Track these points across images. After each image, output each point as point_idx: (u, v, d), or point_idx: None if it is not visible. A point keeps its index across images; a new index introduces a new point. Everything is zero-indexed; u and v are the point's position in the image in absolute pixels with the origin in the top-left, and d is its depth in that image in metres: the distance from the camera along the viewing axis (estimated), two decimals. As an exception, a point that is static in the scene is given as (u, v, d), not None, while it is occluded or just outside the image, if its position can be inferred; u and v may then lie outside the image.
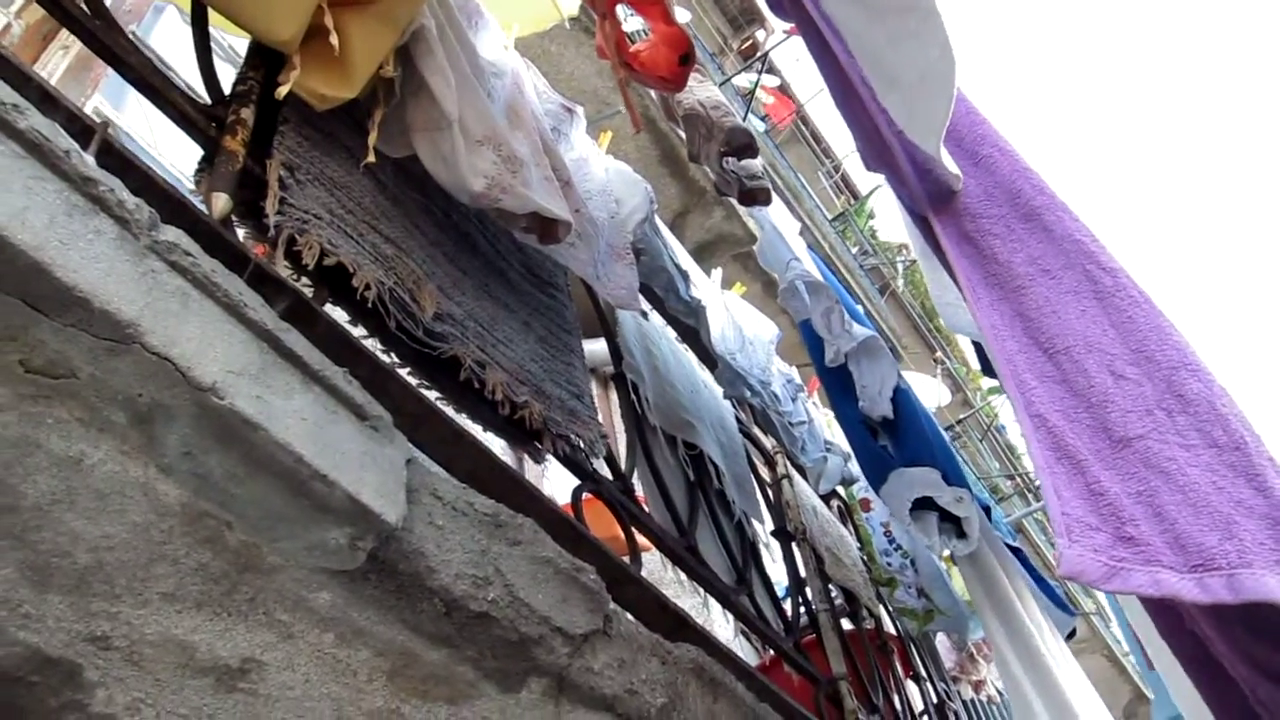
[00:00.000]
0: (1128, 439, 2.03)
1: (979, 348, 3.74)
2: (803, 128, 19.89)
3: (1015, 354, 2.20)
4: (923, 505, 4.15)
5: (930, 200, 2.49)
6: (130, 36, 1.63)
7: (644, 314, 3.33)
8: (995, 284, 2.33)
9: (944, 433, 4.80)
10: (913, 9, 2.25)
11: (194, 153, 1.74)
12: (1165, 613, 2.56)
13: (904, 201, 2.71)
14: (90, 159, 1.14)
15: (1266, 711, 2.25)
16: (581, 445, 2.24)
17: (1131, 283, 2.28)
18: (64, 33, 3.85)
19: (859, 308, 4.37)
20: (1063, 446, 2.05)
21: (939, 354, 18.29)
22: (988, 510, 4.53)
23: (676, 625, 2.14)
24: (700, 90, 3.12)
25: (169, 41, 4.51)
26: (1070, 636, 4.79)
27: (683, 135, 3.26)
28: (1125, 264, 2.34)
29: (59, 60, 3.81)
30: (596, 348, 3.19)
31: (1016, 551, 4.66)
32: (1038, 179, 2.45)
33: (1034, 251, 2.33)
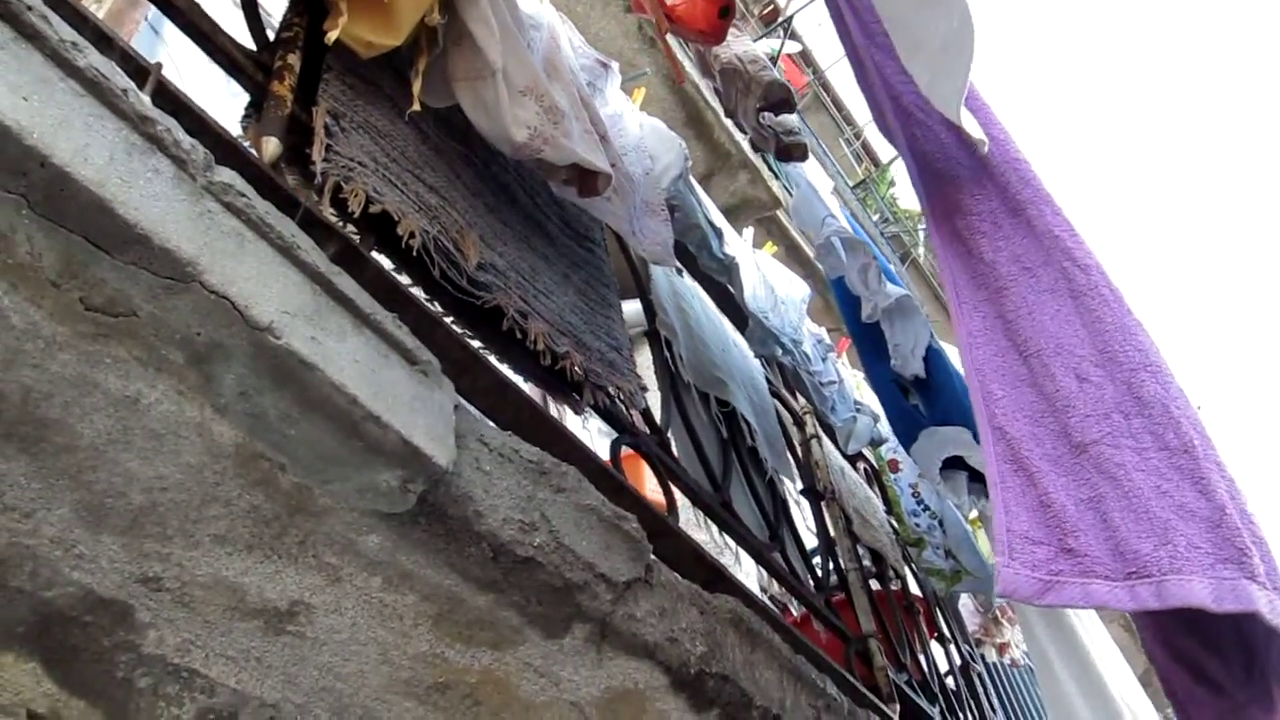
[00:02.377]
0: (1084, 444, 2.10)
1: None
2: (824, 94, 19.71)
3: (985, 362, 2.27)
4: (953, 465, 4.15)
5: (926, 192, 2.51)
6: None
7: (678, 270, 3.32)
8: (981, 284, 2.37)
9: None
10: None
11: (224, 113, 1.74)
12: None
13: (915, 178, 2.72)
14: (146, 98, 1.15)
15: (1177, 705, 2.31)
16: (621, 398, 2.24)
17: (1104, 279, 2.32)
18: (98, -15, 3.85)
19: (891, 267, 4.35)
20: (1018, 459, 2.12)
21: (960, 323, 18.18)
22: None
23: (713, 577, 2.15)
24: (738, 44, 3.11)
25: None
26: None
27: (709, 98, 3.26)
28: (1100, 259, 2.38)
29: (94, 11, 3.81)
30: (628, 308, 3.19)
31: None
32: (1026, 168, 2.47)
33: (1017, 248, 2.37)
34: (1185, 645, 2.21)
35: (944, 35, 2.26)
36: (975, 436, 3.96)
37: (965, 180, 2.46)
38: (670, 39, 2.99)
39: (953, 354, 4.25)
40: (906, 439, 4.21)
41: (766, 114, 3.01)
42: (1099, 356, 2.19)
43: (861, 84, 2.70)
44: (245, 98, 1.73)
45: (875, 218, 17.86)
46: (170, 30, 4.41)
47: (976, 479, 4.25)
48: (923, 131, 2.49)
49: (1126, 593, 1.93)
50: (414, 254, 1.73)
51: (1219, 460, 2.07)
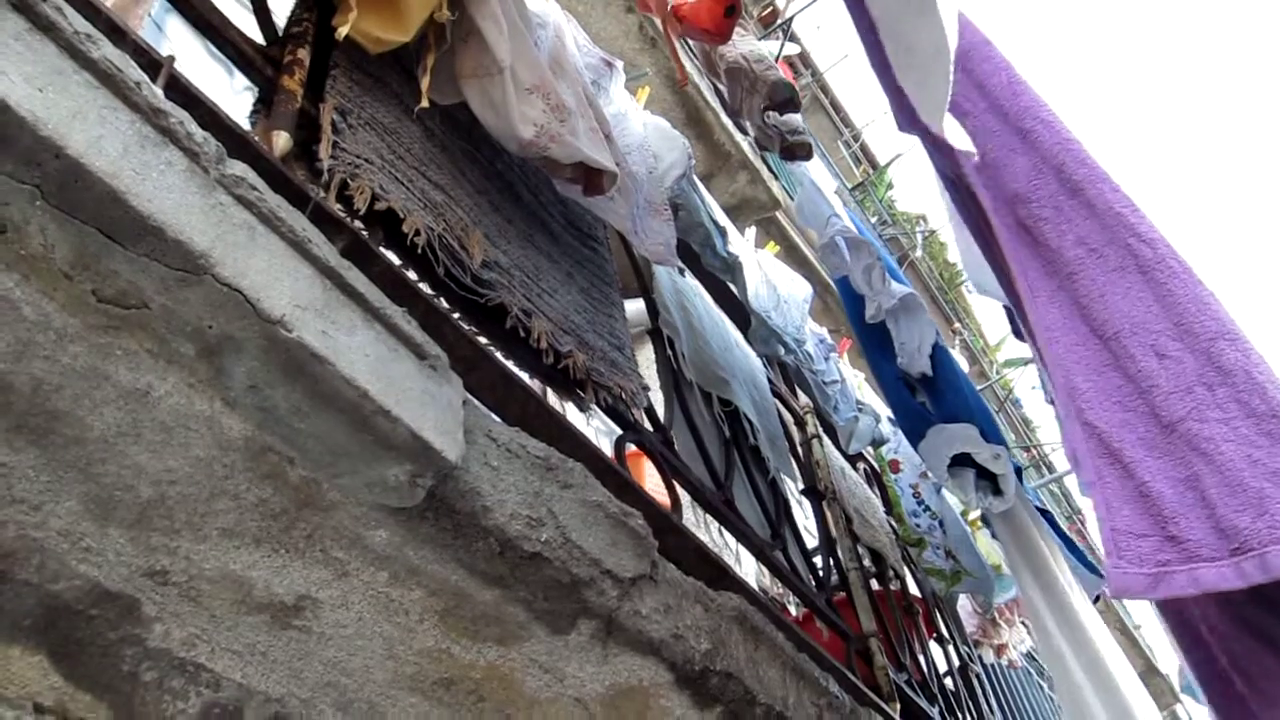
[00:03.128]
0: (1173, 422, 2.07)
1: (1010, 312, 3.74)
2: (822, 96, 19.71)
3: (1066, 354, 2.24)
4: (959, 462, 4.16)
5: (985, 185, 2.48)
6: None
7: (681, 270, 3.32)
8: (1051, 273, 2.34)
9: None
10: None
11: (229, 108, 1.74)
12: None
13: (938, 165, 2.70)
14: (159, 91, 1.15)
15: (1240, 675, 2.29)
16: (622, 396, 2.24)
17: (1171, 252, 2.29)
18: (102, -18, 3.84)
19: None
20: (1112, 451, 2.10)
21: (956, 325, 18.23)
22: (1019, 473, 4.54)
23: (717, 575, 2.15)
24: (744, 44, 3.11)
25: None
26: (1095, 600, 4.80)
27: (709, 99, 3.26)
28: (1165, 232, 2.34)
29: (98, 8, 3.81)
30: (632, 307, 3.19)
31: (1045, 514, 4.66)
32: (1079, 149, 2.44)
33: (1081, 231, 2.33)
34: (1258, 618, 2.18)
35: (927, 46, 2.27)
36: (983, 433, 3.98)
37: (1022, 168, 2.43)
38: (674, 40, 2.99)
39: (971, 323, 4.24)
40: (914, 436, 4.22)
41: (771, 113, 3.02)
42: (1175, 330, 2.16)
43: (882, 77, 2.68)
44: (250, 97, 1.74)
45: (874, 220, 17.87)
46: (174, 28, 4.42)
47: (984, 475, 4.25)
48: (973, 124, 2.47)
49: (1233, 570, 1.90)
50: (419, 251, 1.73)
51: None
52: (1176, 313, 2.18)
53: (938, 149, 2.56)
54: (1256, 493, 1.93)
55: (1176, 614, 2.45)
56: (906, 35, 2.34)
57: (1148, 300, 2.22)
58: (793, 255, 9.52)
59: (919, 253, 18.73)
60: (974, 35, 2.54)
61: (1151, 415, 2.11)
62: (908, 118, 2.62)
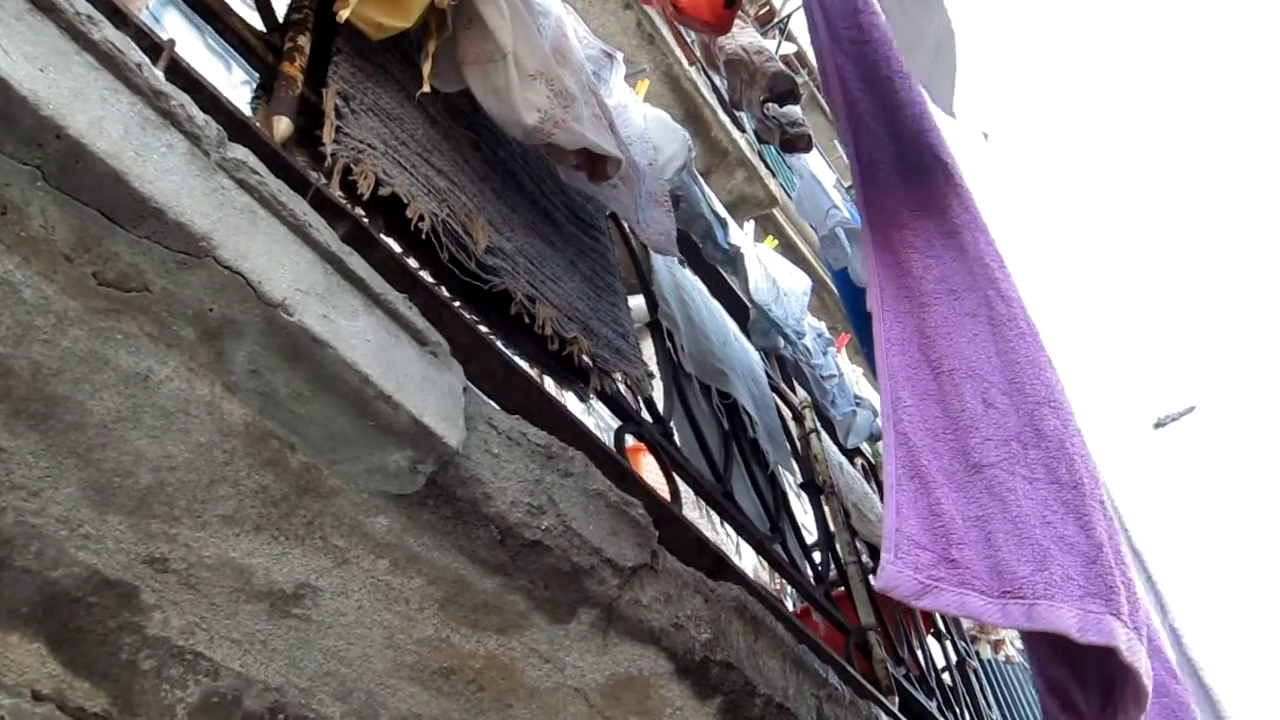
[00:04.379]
0: (980, 465, 2.19)
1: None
2: (819, 94, 19.69)
3: (898, 370, 2.37)
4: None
5: (865, 199, 2.58)
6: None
7: (680, 261, 3.32)
8: (905, 296, 2.46)
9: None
10: None
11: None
12: None
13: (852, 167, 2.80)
14: (160, 74, 1.14)
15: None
16: (628, 384, 2.25)
17: (1023, 313, 2.41)
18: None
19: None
20: (916, 465, 2.21)
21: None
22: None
23: (717, 566, 2.14)
24: (743, 35, 3.11)
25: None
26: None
27: (706, 95, 3.27)
28: (1022, 293, 2.46)
29: (95, -1, 3.80)
30: (631, 302, 3.19)
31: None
32: (967, 195, 2.57)
33: (946, 269, 2.46)
34: (1057, 674, 2.30)
35: (936, 34, 2.31)
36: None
37: (906, 196, 2.53)
38: (675, 26, 2.99)
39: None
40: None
41: (771, 105, 3.02)
42: (1007, 385, 2.28)
43: (825, 92, 2.76)
44: (247, 91, 1.73)
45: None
46: (171, 20, 4.41)
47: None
48: (871, 140, 2.57)
49: (999, 609, 2.02)
50: (422, 237, 1.73)
51: (1103, 500, 2.17)
52: (1014, 370, 2.30)
53: (861, 166, 2.64)
54: (1042, 550, 2.05)
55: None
56: (917, 23, 2.38)
57: (990, 351, 2.33)
58: (791, 253, 9.50)
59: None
60: (897, 64, 2.58)
61: (961, 452, 2.22)
62: (851, 124, 2.68)
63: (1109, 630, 1.96)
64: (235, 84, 4.04)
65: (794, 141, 3.08)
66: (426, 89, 1.80)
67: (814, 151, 3.93)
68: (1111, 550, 2.08)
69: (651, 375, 2.36)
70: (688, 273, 3.56)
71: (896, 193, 2.54)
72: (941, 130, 2.64)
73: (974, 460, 2.18)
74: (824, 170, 4.42)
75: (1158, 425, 17.06)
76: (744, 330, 3.81)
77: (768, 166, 9.14)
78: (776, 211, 9.43)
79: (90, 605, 1.25)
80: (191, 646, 1.32)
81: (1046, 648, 2.35)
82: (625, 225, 2.87)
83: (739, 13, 2.95)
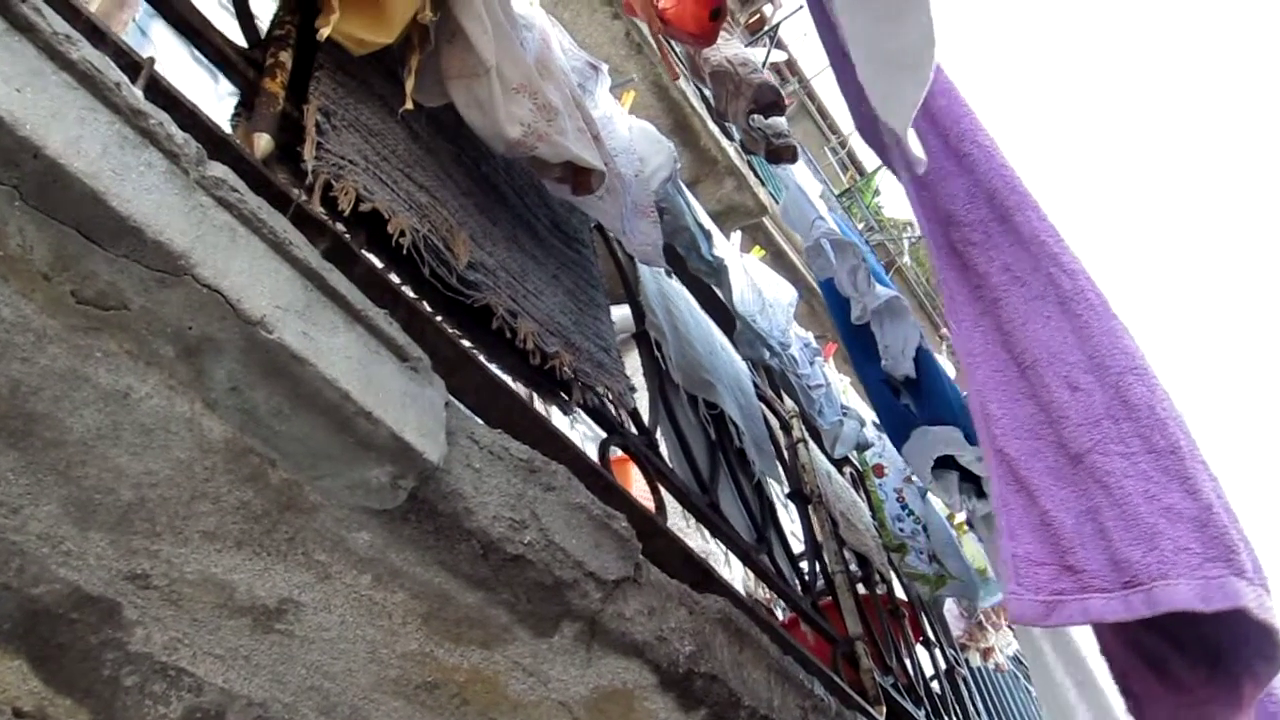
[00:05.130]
0: (1079, 454, 2.12)
1: None
2: (809, 103, 19.74)
3: (985, 381, 2.28)
4: (944, 465, 4.17)
5: (921, 206, 2.52)
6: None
7: (667, 272, 3.33)
8: (977, 298, 2.39)
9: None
10: None
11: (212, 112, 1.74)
12: None
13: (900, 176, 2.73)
14: (139, 93, 1.14)
15: (1133, 701, 2.33)
16: (610, 398, 2.25)
17: (1090, 284, 2.33)
18: (86, -15, 3.83)
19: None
20: (1019, 478, 2.14)
21: (944, 330, 18.26)
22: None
23: (701, 578, 2.15)
24: (728, 47, 3.12)
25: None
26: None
27: (695, 105, 3.27)
28: (1085, 264, 2.38)
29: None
30: (617, 313, 3.19)
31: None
32: (1011, 175, 2.47)
33: (1008, 257, 2.37)
34: (1150, 642, 2.23)
35: (901, 50, 2.27)
36: (967, 436, 3.99)
37: (957, 191, 2.46)
38: (661, 39, 3.00)
39: (949, 367, 4.27)
40: (898, 438, 4.23)
41: (756, 116, 3.03)
42: (1088, 363, 2.20)
43: (848, 95, 2.71)
44: (233, 101, 1.73)
45: (860, 226, 17.90)
46: (158, 32, 4.40)
47: (968, 478, 4.27)
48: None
49: (1121, 603, 1.95)
50: (404, 252, 1.73)
51: (1204, 459, 2.08)
52: (1090, 345, 2.22)
53: (887, 157, 2.58)
54: (1149, 528, 1.98)
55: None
56: (875, 37, 2.35)
57: (1064, 331, 2.26)
58: (780, 260, 9.52)
59: (906, 259, 18.76)
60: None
61: (1060, 445, 2.15)
62: (869, 129, 2.64)
63: (1235, 592, 1.89)
64: (222, 96, 4.04)
65: (780, 153, 3.09)
66: (410, 106, 1.80)
67: (800, 162, 3.94)
68: (1223, 508, 2.01)
69: (634, 389, 2.36)
70: (674, 283, 3.56)
71: (948, 192, 2.48)
72: (974, 113, 2.58)
73: (1072, 451, 2.12)
74: (810, 180, 4.42)
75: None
76: (731, 340, 3.81)
77: (757, 175, 9.15)
78: (766, 220, 9.43)
79: (72, 622, 1.25)
80: (174, 662, 1.32)
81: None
82: (611, 236, 2.88)
83: (724, 25, 2.96)
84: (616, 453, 2.39)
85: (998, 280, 2.34)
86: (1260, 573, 1.94)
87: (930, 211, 2.50)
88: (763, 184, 9.27)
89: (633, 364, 3.03)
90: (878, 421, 4.88)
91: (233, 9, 1.82)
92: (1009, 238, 2.37)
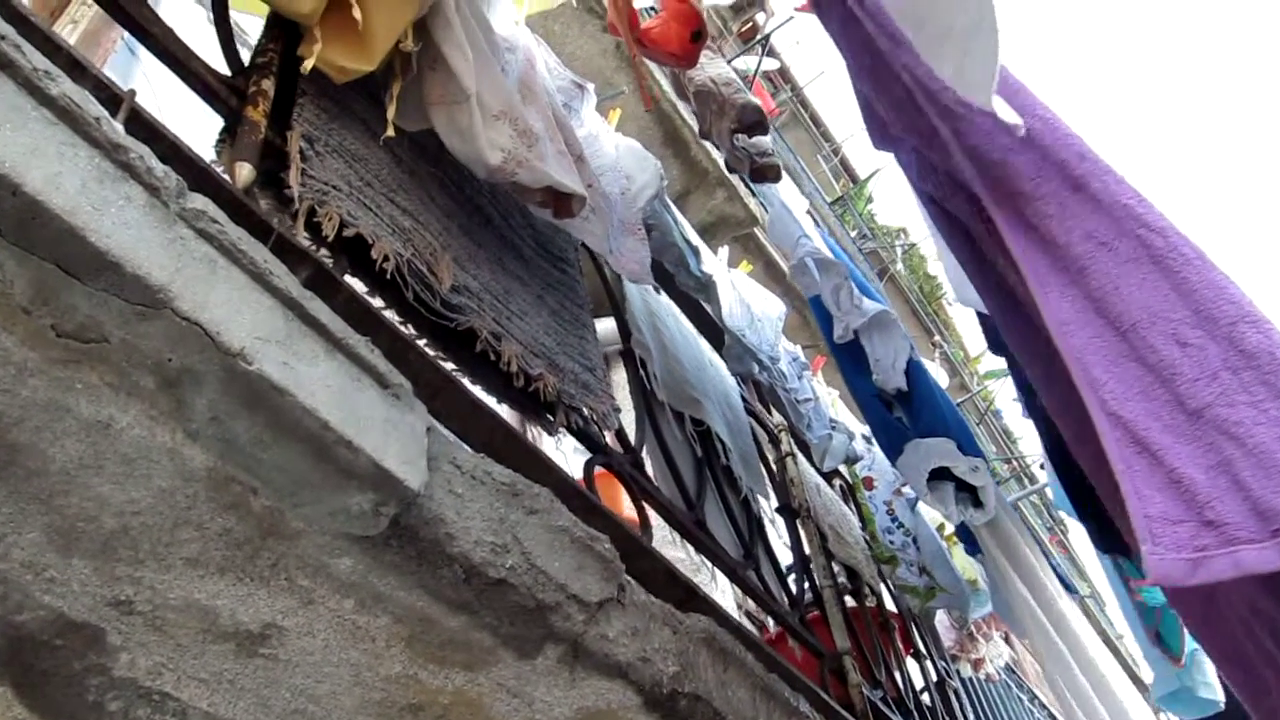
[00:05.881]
0: (1199, 409, 2.05)
1: (984, 322, 3.72)
2: (801, 111, 19.80)
3: (1083, 347, 2.21)
4: (939, 476, 4.18)
5: (984, 186, 2.47)
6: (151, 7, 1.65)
7: (657, 289, 3.34)
8: (1061, 269, 2.31)
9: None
10: None
11: (198, 137, 1.76)
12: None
13: (914, 181, 2.70)
14: (119, 127, 1.16)
15: (1246, 666, 2.28)
16: (594, 418, 2.26)
17: (1183, 239, 2.26)
18: (73, 7, 3.85)
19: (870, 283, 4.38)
20: (1139, 439, 2.08)
21: (936, 338, 18.27)
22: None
23: (686, 596, 2.16)
24: (711, 67, 3.13)
25: (174, 20, 4.51)
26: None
27: (686, 116, 3.28)
28: (1174, 220, 2.32)
29: (68, 34, 3.81)
30: (603, 326, 3.20)
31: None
32: (1079, 143, 2.41)
33: (1089, 225, 2.30)
34: (1266, 605, 2.17)
35: (966, 23, 2.24)
36: (960, 447, 4.00)
37: (1022, 166, 2.41)
38: (640, 65, 3.01)
39: (952, 335, 4.25)
40: (892, 452, 4.24)
41: (740, 135, 3.04)
42: (1195, 318, 2.14)
43: (867, 81, 2.66)
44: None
45: (854, 234, 17.92)
46: (148, 52, 4.41)
47: (963, 488, 4.28)
48: (966, 127, 2.43)
49: (1276, 551, 1.88)
50: (388, 277, 1.74)
51: None
52: (1194, 300, 2.16)
53: (967, 155, 2.53)
54: None
55: (1204, 603, 2.43)
56: (939, 18, 2.32)
57: (1164, 289, 2.19)
58: (771, 271, 9.52)
59: (899, 266, 18.78)
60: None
61: (1176, 403, 2.09)
62: (881, 134, 2.62)
63: None
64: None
65: (764, 171, 3.10)
66: (391, 133, 1.81)
67: (787, 178, 3.95)
68: None
69: (618, 409, 2.37)
70: (662, 298, 3.58)
71: (1012, 168, 2.43)
72: (1029, 88, 2.54)
73: (1191, 407, 2.06)
74: (796, 197, 4.44)
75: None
76: (720, 354, 3.82)
77: (748, 186, 9.16)
78: (758, 230, 9.43)
79: (56, 648, 1.25)
80: (159, 687, 1.33)
81: (1252, 578, 2.10)
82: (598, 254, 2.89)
83: (707, 45, 2.97)
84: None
85: (1081, 249, 2.27)
86: None
87: (996, 191, 2.44)
88: (754, 195, 9.28)
89: (619, 379, 3.04)
90: (867, 434, 4.89)
91: (216, 36, 1.84)
92: (1087, 205, 2.31)
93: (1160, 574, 1.94)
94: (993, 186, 2.44)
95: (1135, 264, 2.23)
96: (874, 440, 4.75)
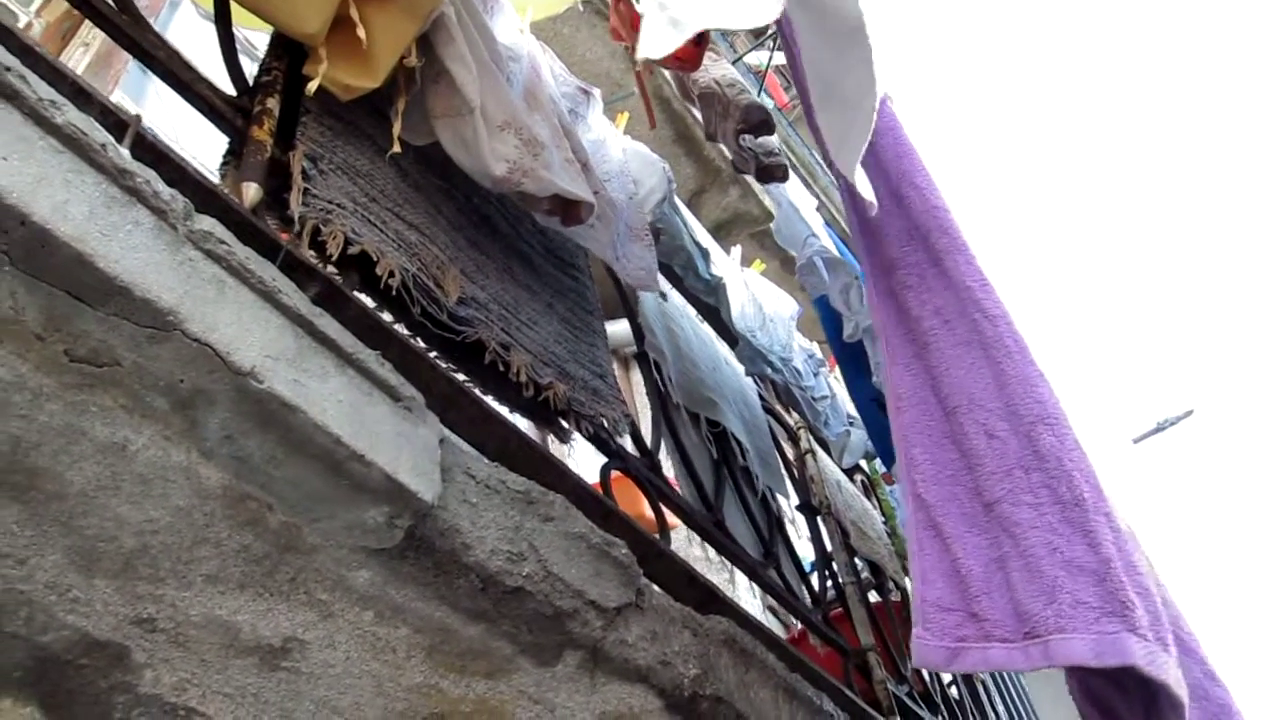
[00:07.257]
0: (991, 502, 2.14)
1: None
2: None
3: (910, 425, 2.30)
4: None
5: (866, 248, 2.53)
6: (156, 31, 1.66)
7: (663, 295, 3.34)
8: (909, 340, 2.40)
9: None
10: (851, 29, 2.27)
11: (214, 149, 1.77)
12: None
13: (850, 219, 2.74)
14: (125, 152, 1.17)
15: None
16: (606, 425, 2.26)
17: (1009, 330, 2.32)
18: (84, 30, 3.88)
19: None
20: (934, 524, 2.17)
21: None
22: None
23: (706, 598, 2.16)
24: (716, 69, 3.14)
25: (183, 36, 4.55)
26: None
27: (698, 115, 3.28)
28: (1008, 309, 2.38)
29: (79, 57, 3.85)
30: (617, 329, 3.21)
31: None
32: (944, 217, 2.46)
33: (938, 300, 2.38)
34: (1097, 684, 2.23)
35: (848, 89, 2.28)
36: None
37: (897, 233, 2.48)
38: (643, 78, 3.02)
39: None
40: (888, 457, 4.22)
41: (746, 136, 3.04)
42: (1004, 410, 2.21)
43: (816, 138, 2.71)
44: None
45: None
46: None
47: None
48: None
49: (1021, 654, 1.98)
50: (393, 293, 1.75)
51: (1109, 511, 2.10)
52: (1007, 393, 2.23)
53: (856, 215, 2.58)
54: (1051, 580, 2.00)
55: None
56: (830, 74, 2.36)
57: (986, 378, 2.26)
58: (787, 266, 9.48)
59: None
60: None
61: (975, 493, 2.17)
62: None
63: (1125, 649, 1.91)
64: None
65: (770, 171, 3.10)
66: (397, 149, 1.83)
67: (802, 170, 3.95)
68: (1122, 563, 2.03)
69: (629, 415, 2.37)
70: (676, 299, 3.58)
71: (888, 235, 2.49)
72: (915, 151, 2.60)
73: (986, 499, 2.14)
74: (803, 196, 4.43)
75: (1157, 429, 16.99)
76: (735, 353, 3.83)
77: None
78: (772, 227, 9.43)
79: (81, 667, 1.27)
80: (184, 702, 1.34)
81: None
82: (607, 261, 2.89)
83: (709, 47, 2.98)
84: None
85: (929, 324, 2.35)
86: (1158, 628, 1.97)
87: (873, 255, 2.52)
88: (767, 192, 9.26)
89: (638, 380, 3.05)
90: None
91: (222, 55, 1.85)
92: (941, 281, 2.38)
93: (920, 657, 2.05)
94: (871, 251, 2.51)
95: (967, 347, 2.30)
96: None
